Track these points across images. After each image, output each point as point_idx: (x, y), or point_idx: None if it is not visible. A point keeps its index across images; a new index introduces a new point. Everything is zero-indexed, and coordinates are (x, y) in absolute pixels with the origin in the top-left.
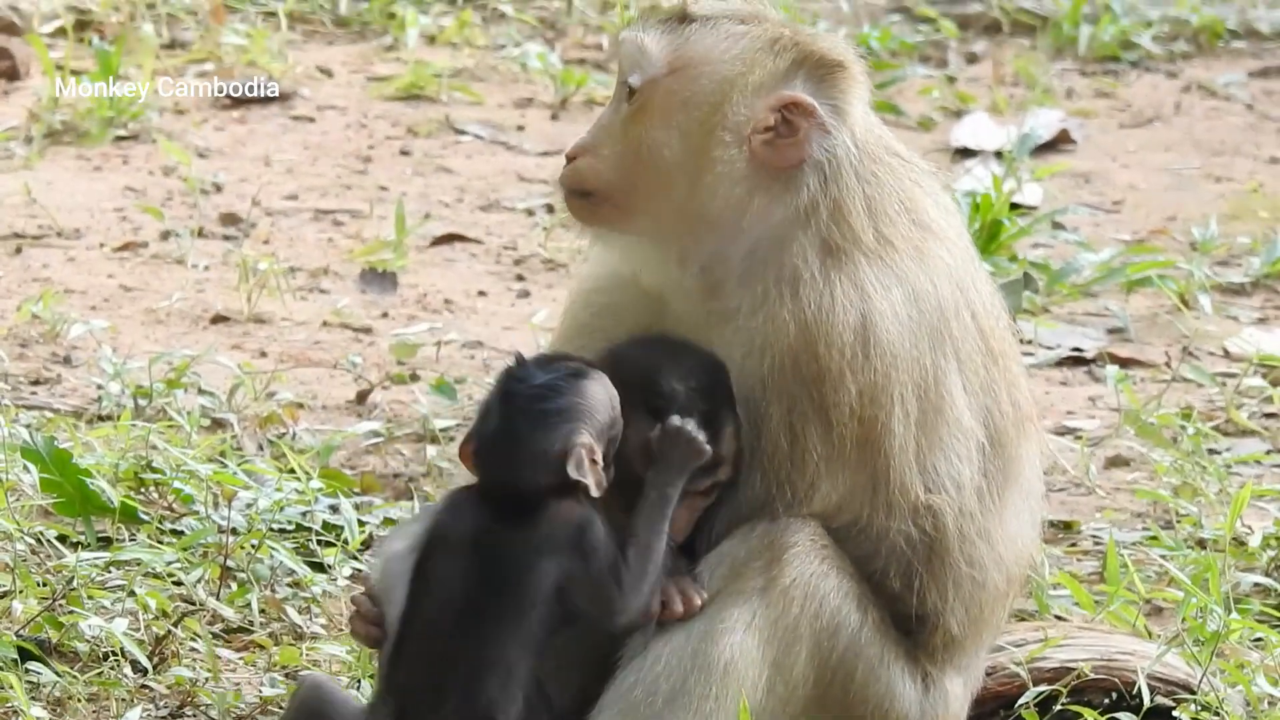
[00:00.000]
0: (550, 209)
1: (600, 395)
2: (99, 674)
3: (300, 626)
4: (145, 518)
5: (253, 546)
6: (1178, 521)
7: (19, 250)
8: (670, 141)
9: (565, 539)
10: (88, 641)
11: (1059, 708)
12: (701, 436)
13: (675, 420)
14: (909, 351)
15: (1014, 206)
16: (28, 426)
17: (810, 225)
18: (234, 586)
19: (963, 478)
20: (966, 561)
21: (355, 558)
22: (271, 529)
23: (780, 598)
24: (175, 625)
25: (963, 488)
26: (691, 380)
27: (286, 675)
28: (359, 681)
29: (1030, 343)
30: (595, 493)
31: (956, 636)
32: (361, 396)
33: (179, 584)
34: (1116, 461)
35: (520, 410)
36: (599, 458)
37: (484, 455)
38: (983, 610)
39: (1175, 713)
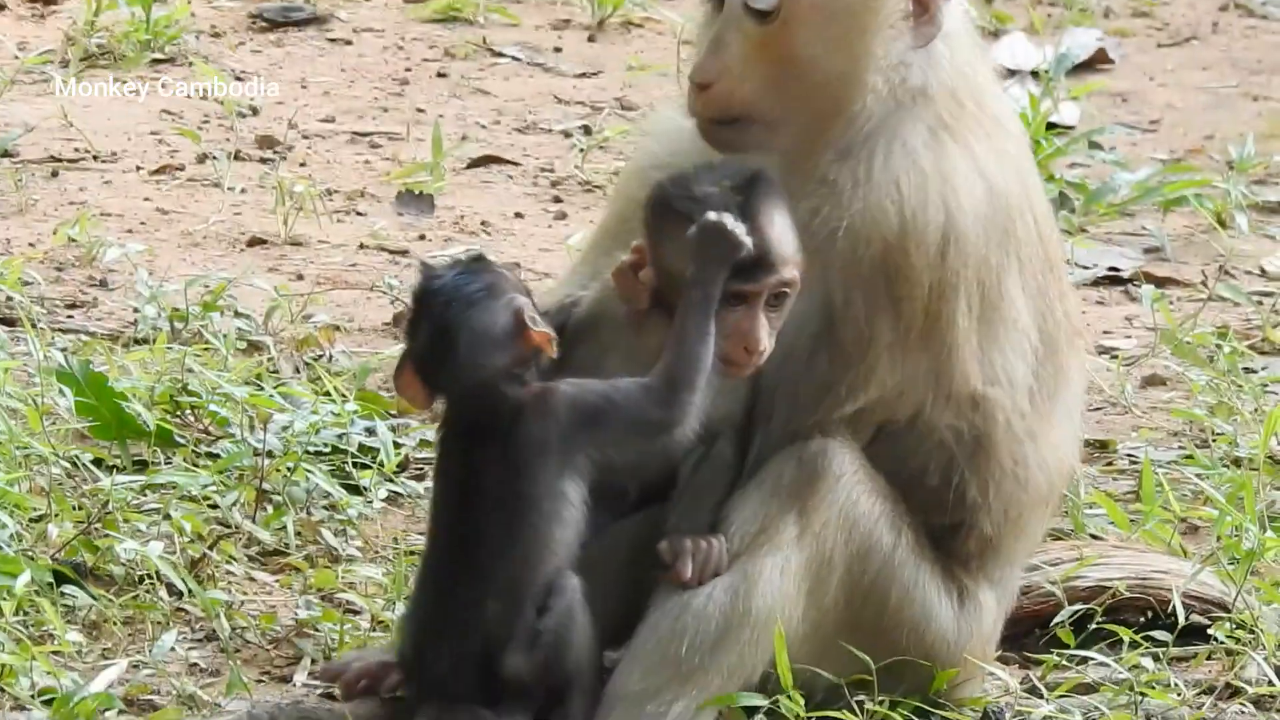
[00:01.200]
0: (587, 130)
1: (513, 275)
2: (134, 597)
3: (336, 549)
4: (181, 441)
5: (288, 469)
6: (1213, 440)
7: (55, 174)
8: (829, 52)
9: (545, 421)
10: (123, 565)
11: (1094, 626)
12: (741, 229)
13: (711, 215)
14: (980, 250)
15: (1051, 126)
16: (64, 350)
17: (923, 108)
18: (269, 509)
19: (1016, 374)
20: (1011, 459)
21: (391, 480)
22: (307, 452)
23: (815, 535)
24: (211, 548)
25: (1016, 385)
26: (725, 180)
27: (322, 598)
28: (394, 603)
29: (1068, 262)
30: (554, 351)
31: (991, 539)
32: (398, 319)
33: (214, 507)
34: (1153, 381)
35: (449, 302)
36: (538, 319)
37: (427, 368)
38: (1021, 514)
39: (1210, 630)
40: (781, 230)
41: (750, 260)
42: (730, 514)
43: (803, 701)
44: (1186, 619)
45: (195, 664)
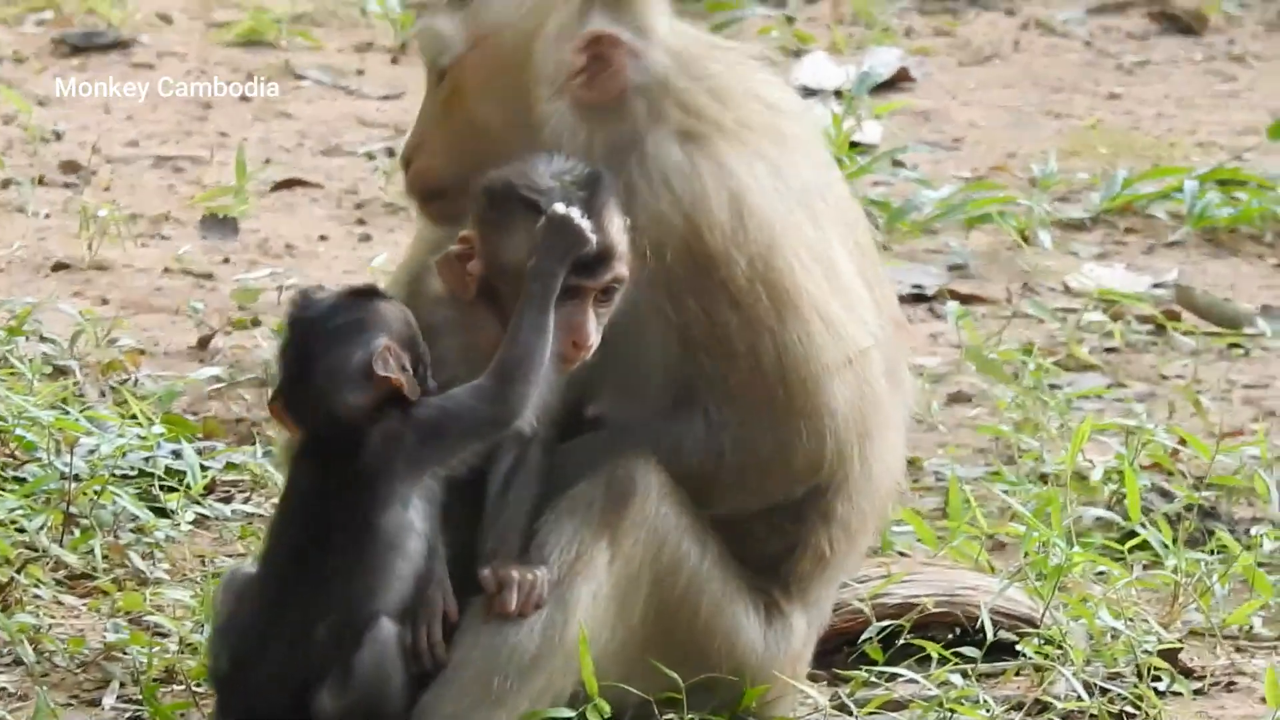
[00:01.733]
0: (391, 153)
1: (393, 311)
2: None
3: (144, 572)
4: None
5: (95, 493)
6: (1019, 457)
7: None
8: (492, 114)
9: (395, 448)
10: None
11: (902, 643)
12: (586, 224)
13: (559, 207)
14: (786, 217)
15: (854, 145)
16: None
17: (663, 123)
18: (77, 533)
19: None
20: (871, 452)
21: (198, 502)
22: (114, 475)
23: (625, 555)
24: (18, 572)
25: (876, 363)
26: (566, 174)
27: (131, 621)
28: (202, 625)
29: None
30: (411, 394)
31: (826, 557)
32: (203, 342)
33: (22, 531)
34: (958, 398)
35: (311, 336)
36: (406, 364)
37: (291, 399)
38: (863, 524)
39: (1018, 646)
40: (619, 227)
41: (590, 255)
42: (546, 541)
43: (609, 710)
44: (994, 635)
45: (3, 689)
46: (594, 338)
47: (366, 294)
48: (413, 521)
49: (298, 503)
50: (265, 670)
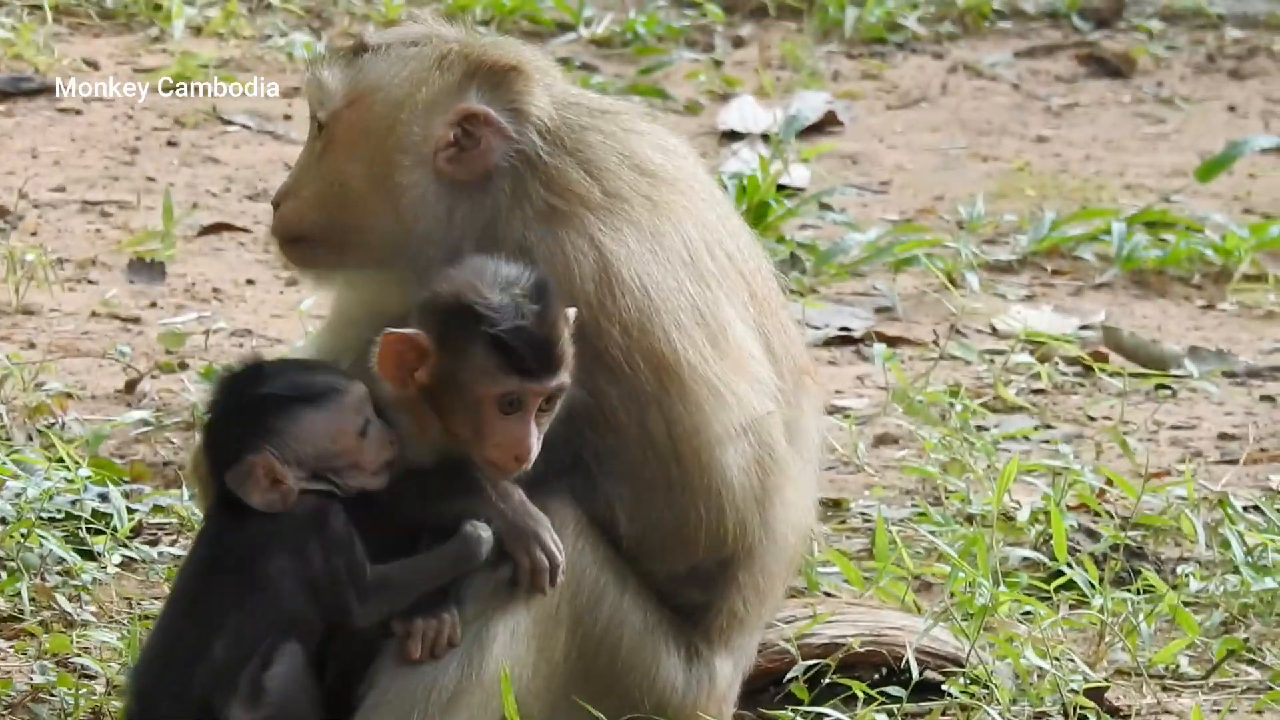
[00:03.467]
0: None
1: (315, 423)
2: None
3: (71, 614)
4: None
5: (22, 535)
6: (946, 498)
7: None
8: (356, 173)
9: (299, 532)
10: None
11: (828, 682)
12: (488, 540)
13: (469, 526)
14: (662, 280)
15: (781, 188)
16: None
17: (525, 201)
18: (4, 575)
19: (770, 417)
20: (772, 520)
21: (125, 545)
22: (41, 518)
23: (542, 601)
24: None
25: (774, 428)
26: (515, 286)
27: (57, 663)
28: (128, 667)
29: (799, 323)
30: (263, 508)
31: (741, 616)
32: (130, 386)
33: None
34: (885, 439)
35: (218, 413)
36: (285, 477)
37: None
38: (773, 584)
39: (944, 686)
40: (565, 337)
41: (538, 365)
42: (464, 581)
43: None
44: (920, 675)
45: None
46: (533, 451)
47: (292, 396)
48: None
49: (199, 538)
50: (166, 692)
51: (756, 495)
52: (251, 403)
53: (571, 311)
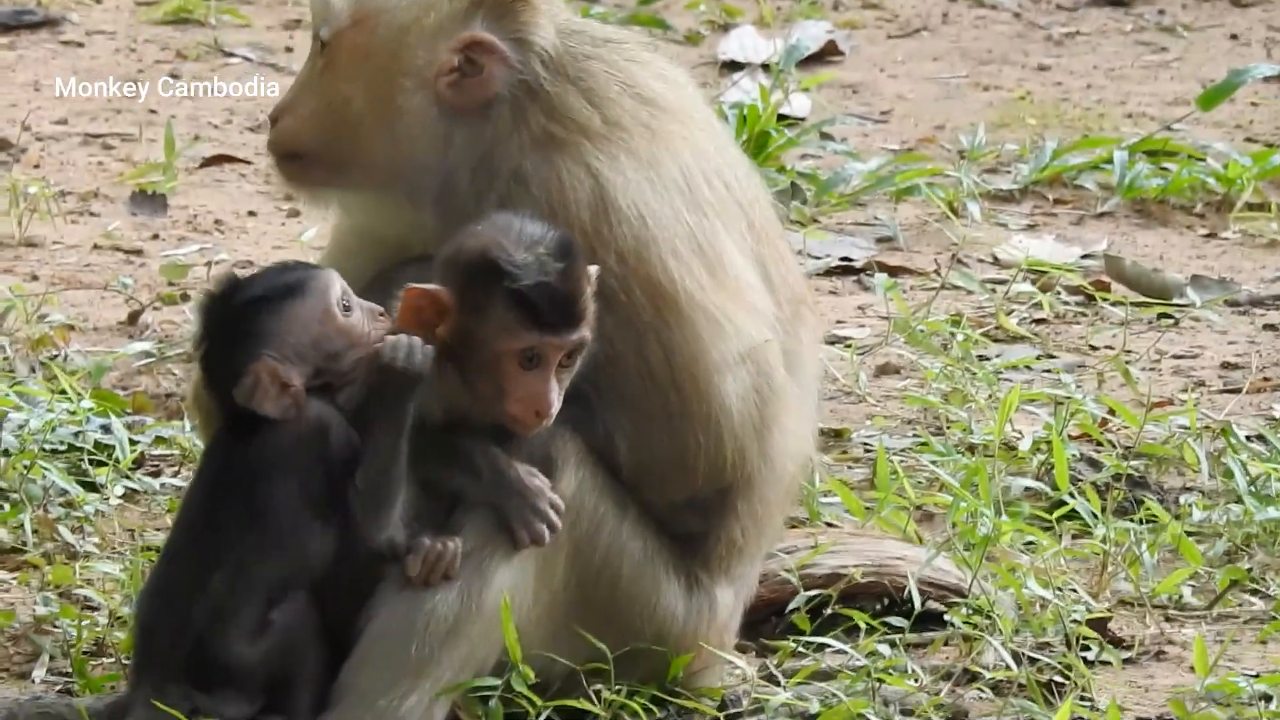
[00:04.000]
0: None
1: (300, 312)
2: None
3: (73, 545)
4: None
5: (25, 467)
6: (948, 427)
7: None
8: (357, 93)
9: (299, 447)
10: None
11: (830, 613)
12: (420, 352)
13: (389, 341)
14: (659, 209)
15: (782, 118)
16: None
17: (524, 128)
18: (6, 507)
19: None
20: (769, 450)
21: (128, 476)
22: (43, 449)
23: None
24: None
25: (771, 359)
26: (539, 245)
27: (60, 594)
28: (132, 598)
29: (800, 253)
30: (276, 415)
31: (739, 544)
32: (133, 317)
33: None
34: (886, 369)
35: (209, 335)
36: (291, 378)
37: (205, 379)
38: (770, 512)
39: (947, 616)
40: (587, 293)
41: (559, 320)
42: (466, 511)
43: (534, 677)
44: (923, 605)
45: None
46: (555, 406)
47: (275, 292)
48: (308, 511)
49: (204, 471)
50: (166, 626)
51: (755, 424)
52: (236, 313)
53: (594, 269)
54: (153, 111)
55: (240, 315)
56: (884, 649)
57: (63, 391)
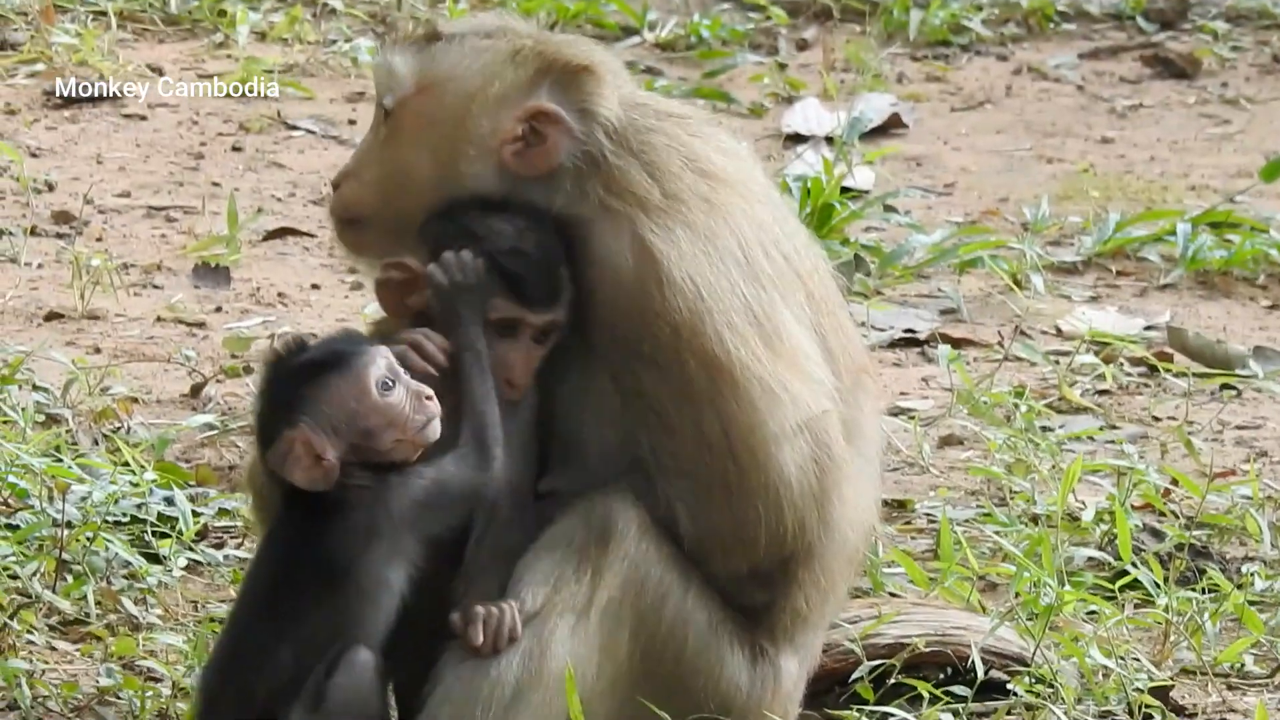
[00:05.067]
0: None
1: (339, 385)
2: None
3: (136, 617)
4: None
5: (88, 539)
6: (1011, 498)
7: None
8: (420, 160)
9: (381, 510)
10: None
11: (893, 682)
12: (471, 264)
13: (448, 256)
14: (715, 281)
15: (845, 190)
16: None
17: (584, 202)
18: (70, 579)
19: (829, 415)
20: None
21: (190, 548)
22: (106, 521)
23: (607, 592)
24: (11, 618)
25: (830, 429)
26: (515, 220)
27: (124, 665)
28: (194, 670)
29: (863, 325)
30: (307, 487)
31: (804, 613)
32: (196, 390)
33: (15, 577)
34: (950, 440)
35: (260, 395)
36: (325, 451)
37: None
38: (834, 581)
39: (1009, 685)
40: (563, 275)
41: (535, 291)
42: (522, 576)
43: None
44: (985, 674)
45: None
46: (526, 379)
47: (322, 362)
48: (389, 578)
49: (271, 542)
50: (231, 693)
51: (814, 493)
52: (285, 377)
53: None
54: (215, 184)
55: (288, 379)
56: (947, 718)
57: (126, 463)
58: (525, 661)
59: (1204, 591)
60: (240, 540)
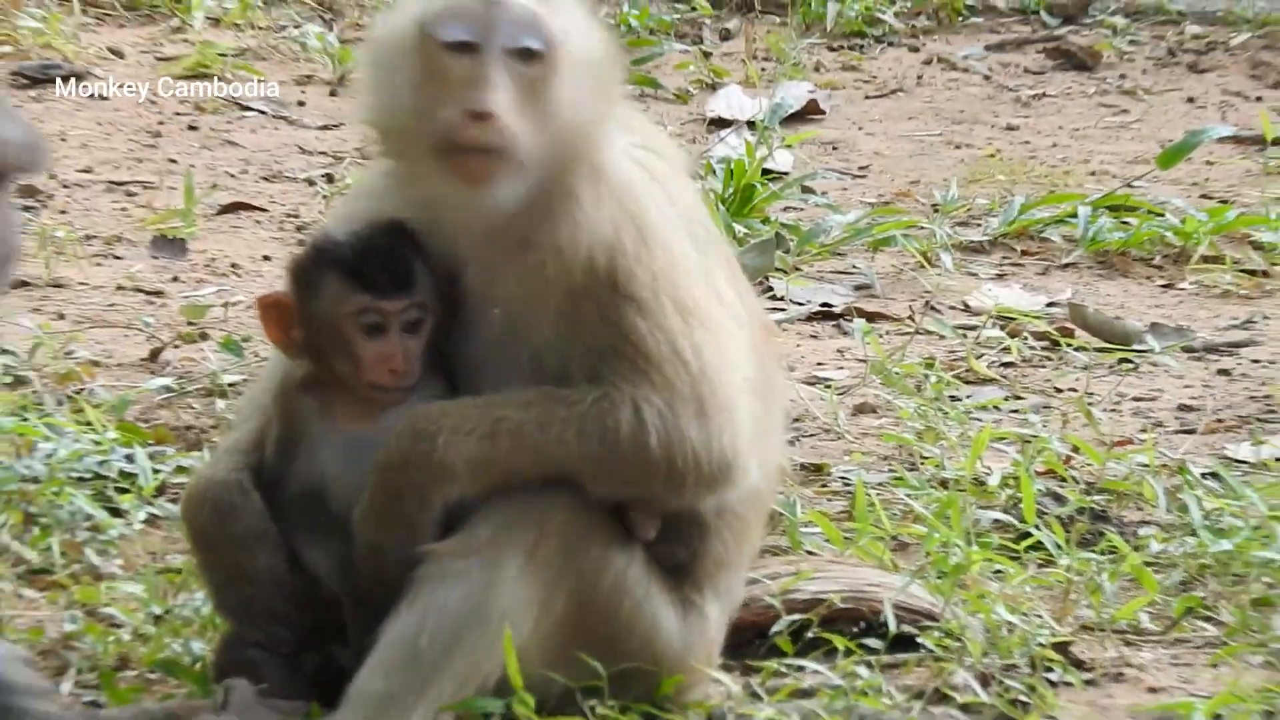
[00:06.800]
0: (330, 179)
1: None
2: None
3: (99, 567)
4: None
5: (54, 493)
6: (921, 463)
7: None
8: (582, 100)
9: None
10: None
11: (811, 636)
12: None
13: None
14: (677, 242)
15: (766, 173)
16: None
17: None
18: (36, 531)
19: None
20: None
21: (150, 503)
22: (70, 477)
23: (551, 550)
24: None
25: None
26: (365, 231)
27: (87, 612)
28: (154, 617)
29: (782, 299)
30: None
31: (724, 559)
32: (154, 355)
33: None
34: (864, 409)
35: None
36: None
37: None
38: (748, 525)
39: (920, 639)
40: (410, 261)
41: (380, 280)
42: (479, 514)
43: (534, 704)
44: (897, 629)
45: None
46: (410, 365)
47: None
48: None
49: None
50: None
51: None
52: None
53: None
54: (172, 161)
55: None
56: (861, 670)
57: (88, 423)
58: (471, 595)
59: (1103, 553)
60: None
